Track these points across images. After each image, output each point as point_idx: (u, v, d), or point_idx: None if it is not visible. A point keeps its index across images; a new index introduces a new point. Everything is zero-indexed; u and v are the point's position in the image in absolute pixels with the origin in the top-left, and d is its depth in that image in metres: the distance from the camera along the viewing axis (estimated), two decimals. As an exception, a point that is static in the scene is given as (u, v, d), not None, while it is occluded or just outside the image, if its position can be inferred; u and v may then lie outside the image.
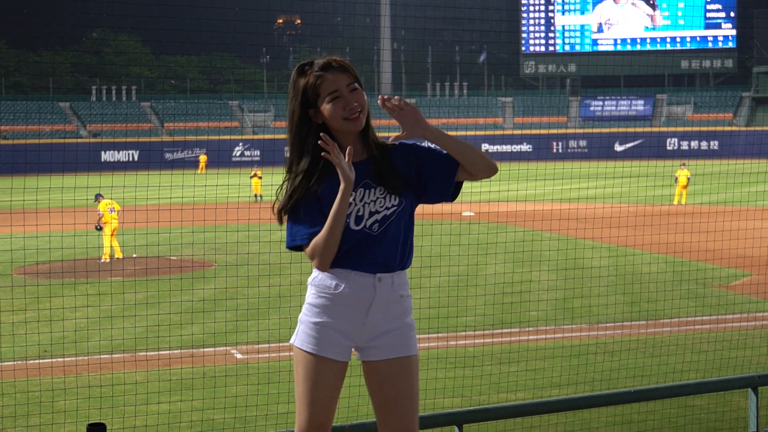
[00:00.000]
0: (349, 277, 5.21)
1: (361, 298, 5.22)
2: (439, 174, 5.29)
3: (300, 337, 5.30)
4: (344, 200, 5.10)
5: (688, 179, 44.07)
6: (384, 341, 5.29)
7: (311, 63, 5.26)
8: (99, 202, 27.31)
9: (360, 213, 5.19)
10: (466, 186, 5.52)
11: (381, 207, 5.21)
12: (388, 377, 5.30)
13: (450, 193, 5.35)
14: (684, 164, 45.00)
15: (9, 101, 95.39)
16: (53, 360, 14.53)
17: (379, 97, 5.10)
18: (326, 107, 5.15)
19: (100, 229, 27.06)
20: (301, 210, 5.21)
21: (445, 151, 5.29)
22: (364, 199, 5.20)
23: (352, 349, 5.35)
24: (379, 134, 5.40)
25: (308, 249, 5.20)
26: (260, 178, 49.90)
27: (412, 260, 5.47)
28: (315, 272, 5.31)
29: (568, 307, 18.60)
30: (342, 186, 5.09)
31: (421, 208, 5.55)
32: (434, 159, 5.30)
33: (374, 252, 5.22)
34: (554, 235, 27.45)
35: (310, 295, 5.30)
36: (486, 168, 5.24)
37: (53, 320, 17.57)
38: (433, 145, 5.35)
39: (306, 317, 5.30)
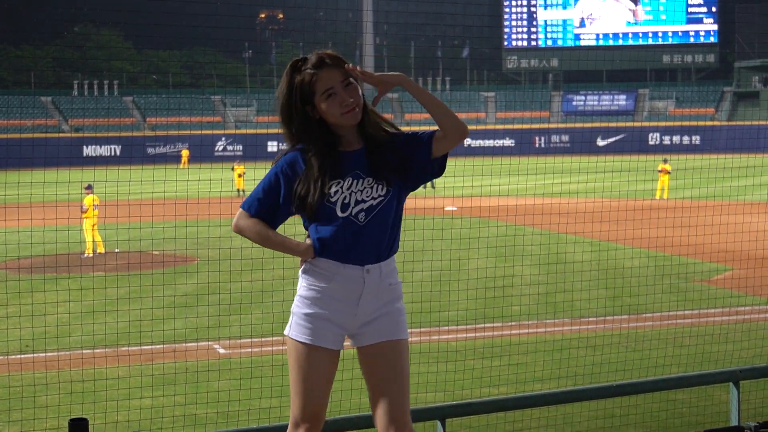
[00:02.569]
0: (338, 271, 5.30)
1: (350, 290, 5.32)
2: (415, 156, 5.35)
3: (294, 329, 5.40)
4: (288, 252, 5.42)
5: (669, 171, 44.23)
6: (374, 326, 5.39)
7: (305, 59, 5.29)
8: (87, 194, 27.33)
9: (346, 201, 5.25)
10: (449, 180, 5.58)
11: (368, 197, 5.28)
12: (378, 360, 5.41)
13: (432, 171, 5.40)
14: (666, 160, 45.10)
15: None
16: (35, 355, 14.49)
17: (347, 66, 5.23)
18: (323, 105, 5.21)
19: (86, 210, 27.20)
20: (272, 189, 5.34)
21: (415, 133, 5.40)
22: (352, 188, 5.26)
23: (345, 337, 5.45)
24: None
25: (246, 221, 5.41)
26: (241, 176, 49.81)
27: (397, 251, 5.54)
28: (305, 264, 5.40)
29: (550, 301, 18.64)
30: (294, 254, 5.40)
31: (404, 202, 5.57)
32: (408, 142, 5.38)
33: (362, 243, 5.29)
34: (537, 230, 27.51)
35: (302, 287, 5.40)
36: (454, 125, 5.26)
37: (35, 315, 17.51)
38: (408, 131, 5.48)
39: (298, 308, 5.39)
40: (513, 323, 17.00)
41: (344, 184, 5.24)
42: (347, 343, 5.48)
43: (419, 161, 5.36)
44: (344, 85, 5.22)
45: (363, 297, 5.33)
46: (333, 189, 5.23)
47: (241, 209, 5.40)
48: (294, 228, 5.75)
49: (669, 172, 44.52)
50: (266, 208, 5.35)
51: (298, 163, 5.29)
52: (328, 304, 5.32)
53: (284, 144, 5.46)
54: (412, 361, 12.83)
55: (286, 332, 5.44)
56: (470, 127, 5.38)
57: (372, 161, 5.29)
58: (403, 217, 5.49)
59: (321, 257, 5.33)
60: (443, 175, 5.57)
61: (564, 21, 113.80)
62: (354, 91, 5.23)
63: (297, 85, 5.24)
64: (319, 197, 5.21)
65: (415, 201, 5.90)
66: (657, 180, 45.03)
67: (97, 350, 14.81)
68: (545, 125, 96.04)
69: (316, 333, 5.32)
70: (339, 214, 5.25)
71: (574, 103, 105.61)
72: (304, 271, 5.41)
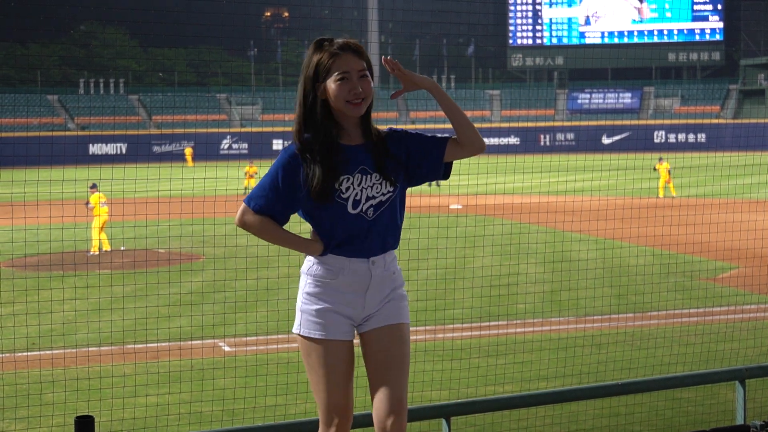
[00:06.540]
0: (345, 265, 5.35)
1: (358, 283, 5.37)
2: (427, 156, 5.44)
3: (305, 326, 5.41)
4: (295, 248, 5.43)
5: (669, 171, 44.04)
6: (378, 313, 5.44)
7: (331, 40, 5.35)
8: (92, 193, 27.35)
9: (358, 197, 5.30)
10: (454, 178, 5.58)
11: (377, 193, 5.34)
12: (380, 344, 5.44)
13: (440, 173, 5.50)
14: (661, 158, 44.95)
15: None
16: (41, 353, 14.52)
17: (383, 58, 5.29)
18: (332, 86, 5.25)
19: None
20: (277, 185, 5.33)
21: (430, 134, 5.49)
22: (362, 184, 5.32)
23: (354, 327, 5.48)
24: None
25: (252, 218, 5.39)
26: (252, 177, 49.72)
27: (399, 249, 5.60)
28: (308, 262, 5.45)
29: (555, 299, 18.63)
30: (302, 251, 5.41)
31: (408, 201, 5.61)
32: (421, 142, 5.46)
33: (369, 237, 5.35)
34: (542, 228, 27.49)
35: (307, 285, 5.42)
36: (476, 139, 5.39)
37: (41, 313, 17.57)
38: (420, 130, 5.56)
39: (306, 306, 5.41)
40: (518, 321, 17.00)
41: (354, 180, 5.29)
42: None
43: (431, 162, 5.44)
44: (359, 75, 5.27)
45: (370, 288, 5.38)
46: (344, 185, 5.27)
47: (244, 204, 5.42)
48: (299, 226, 5.76)
49: (664, 171, 44.19)
50: (270, 204, 5.35)
51: (300, 156, 5.31)
52: (335, 298, 5.36)
53: (289, 140, 5.47)
54: (417, 359, 12.88)
55: (295, 330, 5.45)
56: (475, 125, 5.42)
57: (378, 158, 5.34)
58: (406, 213, 5.56)
59: (328, 253, 5.36)
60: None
61: (569, 19, 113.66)
62: (366, 84, 5.29)
63: (315, 62, 5.28)
64: (330, 186, 5.24)
65: (420, 199, 5.93)
66: (658, 179, 44.92)
67: (103, 348, 14.84)
68: (550, 123, 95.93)
69: (327, 327, 5.35)
70: (350, 210, 5.29)
71: (579, 101, 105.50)
72: (308, 269, 5.43)
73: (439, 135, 5.50)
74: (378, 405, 5.45)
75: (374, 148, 5.36)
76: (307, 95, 5.31)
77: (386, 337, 5.44)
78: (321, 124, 5.29)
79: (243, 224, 5.44)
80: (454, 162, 5.54)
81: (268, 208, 5.35)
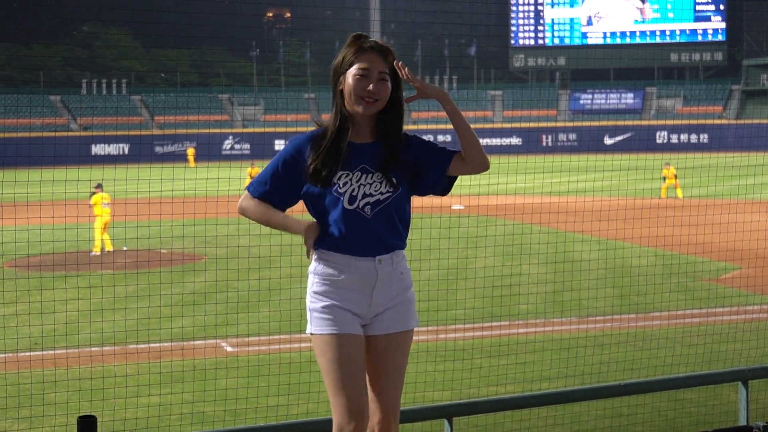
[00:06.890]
0: (351, 264, 5.37)
1: (364, 281, 5.39)
2: (432, 166, 5.47)
3: (315, 325, 5.42)
4: (291, 230, 5.44)
5: (675, 176, 44.00)
6: (385, 316, 5.46)
7: (367, 37, 5.43)
8: (96, 192, 27.36)
9: (354, 193, 5.34)
10: (456, 179, 5.57)
11: (375, 191, 5.36)
12: (381, 352, 5.47)
13: (441, 187, 5.55)
14: (668, 163, 44.89)
15: (0, 94, 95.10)
16: (44, 352, 14.52)
17: (395, 63, 5.34)
18: (349, 80, 5.31)
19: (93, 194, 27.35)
20: (278, 174, 5.43)
21: (440, 145, 5.52)
22: (360, 181, 5.35)
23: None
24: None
25: (250, 202, 5.48)
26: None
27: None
28: (315, 262, 5.47)
29: (557, 300, 18.63)
30: (297, 232, 5.40)
31: (411, 201, 5.60)
32: (429, 151, 5.50)
33: (371, 235, 5.37)
34: (544, 229, 27.49)
35: (314, 284, 5.44)
36: (480, 157, 5.42)
37: (44, 313, 17.56)
38: (431, 139, 5.62)
39: (314, 304, 5.42)
40: (520, 322, 16.99)
41: (353, 177, 5.33)
42: None
43: (435, 172, 5.48)
44: (379, 78, 5.31)
45: (376, 288, 5.39)
46: (342, 180, 5.32)
47: (246, 191, 5.50)
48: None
49: (671, 175, 44.19)
50: (270, 191, 5.43)
51: (306, 149, 5.38)
52: (343, 296, 5.37)
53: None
54: (419, 360, 12.90)
55: (308, 331, 5.45)
56: (477, 126, 5.46)
57: (382, 158, 5.38)
58: (411, 216, 5.55)
59: (331, 251, 5.38)
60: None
61: (571, 19, 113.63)
62: (384, 88, 5.33)
63: (343, 54, 5.37)
64: (328, 176, 5.30)
65: (422, 199, 5.96)
66: (665, 179, 44.88)
67: (106, 348, 14.84)
68: (552, 124, 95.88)
69: (338, 322, 5.35)
70: (346, 206, 5.32)
71: (581, 101, 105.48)
72: (315, 268, 5.45)
73: (449, 148, 5.52)
74: (370, 403, 5.48)
75: (382, 148, 5.39)
76: (334, 85, 5.41)
77: (389, 347, 5.48)
78: (337, 115, 5.37)
79: (242, 210, 5.53)
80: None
81: (268, 196, 5.44)
